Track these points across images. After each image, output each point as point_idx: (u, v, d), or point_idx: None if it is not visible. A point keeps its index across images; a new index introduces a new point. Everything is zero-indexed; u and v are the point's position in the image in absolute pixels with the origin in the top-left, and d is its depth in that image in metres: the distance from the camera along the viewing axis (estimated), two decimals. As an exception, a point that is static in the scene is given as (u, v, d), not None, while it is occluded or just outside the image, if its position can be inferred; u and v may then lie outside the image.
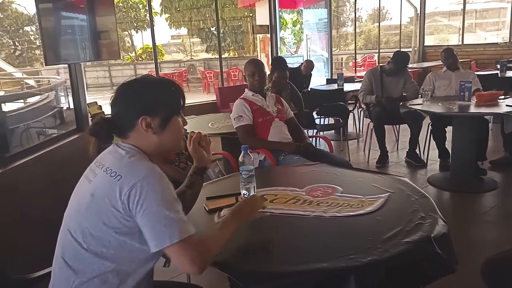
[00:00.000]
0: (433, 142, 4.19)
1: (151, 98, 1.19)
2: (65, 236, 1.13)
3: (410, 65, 8.88)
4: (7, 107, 4.94)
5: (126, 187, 1.05)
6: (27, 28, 18.94)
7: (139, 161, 1.13)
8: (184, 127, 1.30)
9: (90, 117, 3.69)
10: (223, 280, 2.10)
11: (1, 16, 17.86)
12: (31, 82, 11.15)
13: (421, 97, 4.18)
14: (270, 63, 4.85)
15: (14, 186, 2.51)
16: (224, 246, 1.18)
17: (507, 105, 3.53)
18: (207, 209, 1.58)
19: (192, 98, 8.87)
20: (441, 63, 4.44)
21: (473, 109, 3.60)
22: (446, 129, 4.08)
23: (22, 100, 6.59)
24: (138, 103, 1.18)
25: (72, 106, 3.69)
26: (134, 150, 1.16)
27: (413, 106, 3.83)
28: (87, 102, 3.78)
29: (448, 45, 8.91)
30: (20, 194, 2.54)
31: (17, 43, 18.78)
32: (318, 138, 4.52)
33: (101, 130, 1.20)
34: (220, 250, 1.16)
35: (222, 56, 7.11)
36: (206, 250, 1.10)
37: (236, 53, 19.98)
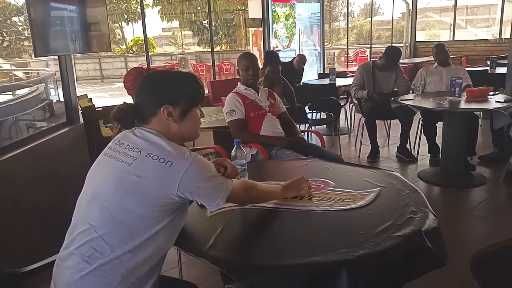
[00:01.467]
0: (423, 137, 4.22)
1: (174, 89, 1.30)
2: (101, 214, 1.19)
3: (401, 61, 8.93)
4: (-4, 99, 4.87)
5: (180, 172, 1.18)
6: (15, 19, 18.61)
7: (177, 147, 1.24)
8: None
9: (80, 110, 3.65)
10: (215, 274, 2.11)
11: (-11, 6, 17.52)
12: (20, 74, 10.97)
13: (412, 92, 4.21)
14: (262, 57, 4.84)
15: (4, 179, 2.47)
16: (259, 202, 1.52)
17: (496, 101, 3.57)
18: (199, 203, 1.57)
19: (183, 92, 8.80)
20: (433, 58, 4.47)
21: (463, 105, 3.64)
22: (436, 124, 4.12)
23: (10, 92, 6.50)
24: (162, 92, 1.29)
25: (62, 99, 3.64)
26: (162, 136, 1.25)
27: (404, 102, 3.86)
28: (77, 95, 3.73)
29: (439, 41, 8.96)
30: (10, 187, 2.51)
31: (5, 34, 18.46)
32: (310, 132, 4.53)
33: (125, 116, 1.28)
34: (255, 201, 1.51)
35: (214, 50, 7.06)
36: (247, 195, 1.41)
37: (228, 47, 19.87)
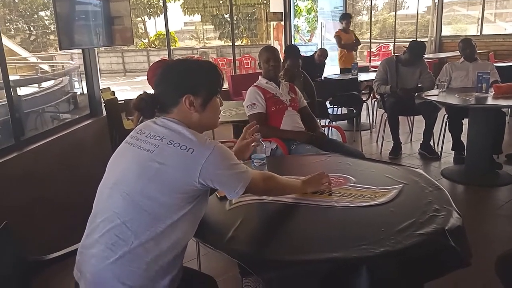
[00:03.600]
0: (447, 134, 4.12)
1: (196, 79, 1.30)
2: (123, 201, 1.20)
3: (426, 56, 8.72)
4: (22, 91, 5.00)
5: (202, 159, 1.19)
6: (42, 13, 19.04)
7: (199, 135, 1.25)
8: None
9: (103, 102, 3.71)
10: (233, 267, 2.12)
11: (17, 1, 17.97)
12: (46, 67, 11.24)
13: (437, 88, 4.11)
14: (283, 51, 4.80)
15: (30, 169, 2.55)
16: (278, 194, 1.52)
17: (525, 98, 3.44)
18: (218, 196, 1.58)
19: (204, 86, 8.84)
20: (458, 53, 4.35)
21: (490, 101, 3.52)
22: (462, 121, 4.01)
23: (36, 85, 6.66)
24: (184, 82, 1.29)
25: (85, 92, 3.71)
26: (184, 124, 1.26)
27: (428, 97, 3.77)
28: (101, 88, 3.80)
29: (466, 36, 8.71)
30: (35, 177, 2.58)
31: (32, 28, 18.91)
32: (330, 128, 4.48)
33: (146, 105, 1.29)
34: (273, 193, 1.50)
35: (235, 44, 7.05)
36: (266, 186, 1.40)
37: (249, 41, 19.82)
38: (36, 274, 1.28)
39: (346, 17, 6.68)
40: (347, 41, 6.53)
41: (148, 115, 1.30)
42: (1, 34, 2.46)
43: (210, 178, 1.21)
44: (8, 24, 16.84)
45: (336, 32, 6.67)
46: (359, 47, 7.11)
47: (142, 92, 1.33)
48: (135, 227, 1.18)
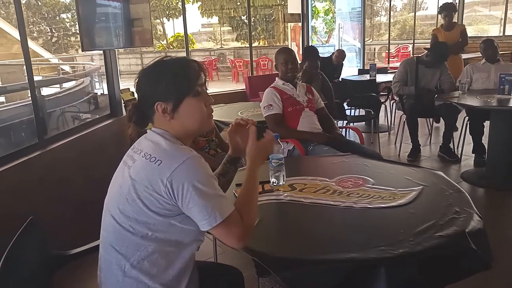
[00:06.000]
0: (468, 137, 4.05)
1: (162, 83, 1.16)
2: (109, 222, 1.15)
3: (446, 57, 8.57)
4: (44, 91, 5.13)
5: (168, 171, 1.06)
6: (63, 15, 19.47)
7: (176, 145, 1.14)
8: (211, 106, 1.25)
9: (123, 103, 3.78)
10: (250, 266, 2.12)
11: (40, 4, 18.41)
12: (67, 68, 11.49)
13: (458, 89, 4.04)
14: (301, 52, 4.79)
15: (53, 167, 2.61)
16: (254, 208, 1.21)
17: (550, 100, 3.36)
18: (236, 195, 1.59)
19: (221, 87, 8.91)
20: (479, 55, 4.26)
21: (513, 103, 3.45)
22: (484, 123, 3.94)
23: (58, 85, 6.81)
24: (152, 89, 1.18)
25: (106, 92, 3.78)
26: (167, 134, 1.17)
27: (449, 99, 3.71)
28: (121, 89, 3.86)
29: (487, 37, 8.53)
30: (57, 174, 2.65)
31: (53, 30, 19.35)
32: (348, 129, 4.45)
33: (133, 115, 1.22)
34: (256, 215, 1.22)
35: (252, 45, 7.07)
36: (248, 222, 1.15)
37: (266, 42, 19.87)
38: (59, 268, 1.32)
39: (447, 9, 5.26)
40: (449, 41, 4.98)
41: (140, 125, 1.23)
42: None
43: (178, 194, 1.06)
44: (32, 26, 17.27)
45: (434, 30, 5.56)
46: (464, 47, 5.50)
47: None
48: (124, 249, 1.12)
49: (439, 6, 5.57)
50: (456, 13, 5.21)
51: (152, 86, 1.18)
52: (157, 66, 1.21)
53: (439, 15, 5.34)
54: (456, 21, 5.22)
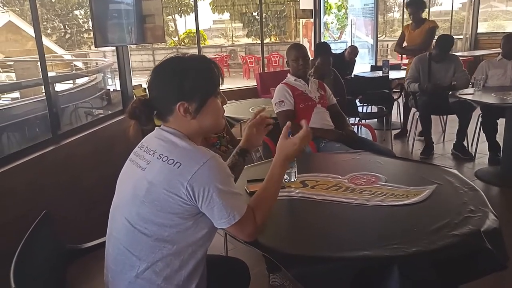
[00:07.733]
0: (482, 135, 3.98)
1: (187, 83, 1.13)
2: (122, 225, 1.14)
3: (460, 53, 8.44)
4: (58, 87, 5.19)
5: (188, 174, 1.07)
6: (76, 12, 19.64)
7: (193, 146, 1.13)
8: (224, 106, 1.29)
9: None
10: (260, 263, 2.12)
11: (53, 1, 18.61)
12: (80, 64, 11.61)
13: (472, 86, 3.97)
14: (313, 49, 4.76)
15: (66, 162, 2.64)
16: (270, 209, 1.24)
17: None
18: (248, 191, 1.59)
19: (232, 83, 8.91)
20: (495, 51, 4.19)
21: (530, 101, 3.38)
22: (497, 121, 3.87)
23: (71, 81, 6.89)
24: (174, 88, 1.14)
25: (118, 88, 3.81)
26: (180, 133, 1.15)
27: (463, 96, 3.65)
28: (133, 85, 3.89)
29: (503, 32, 8.36)
30: (71, 169, 2.68)
31: (67, 27, 19.54)
32: (360, 126, 4.41)
33: (140, 113, 1.18)
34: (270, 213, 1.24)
35: (264, 42, 7.04)
36: (261, 221, 1.19)
37: (277, 38, 19.79)
38: (72, 261, 1.34)
39: (411, 5, 4.57)
40: (411, 42, 4.65)
41: (145, 123, 1.19)
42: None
43: (200, 195, 1.07)
44: (46, 23, 17.47)
45: (403, 27, 4.98)
46: (423, 50, 4.44)
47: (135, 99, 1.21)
48: (138, 251, 1.12)
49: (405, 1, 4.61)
50: (425, 10, 4.52)
51: (175, 84, 1.14)
52: (177, 63, 1.18)
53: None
54: (427, 18, 4.57)
